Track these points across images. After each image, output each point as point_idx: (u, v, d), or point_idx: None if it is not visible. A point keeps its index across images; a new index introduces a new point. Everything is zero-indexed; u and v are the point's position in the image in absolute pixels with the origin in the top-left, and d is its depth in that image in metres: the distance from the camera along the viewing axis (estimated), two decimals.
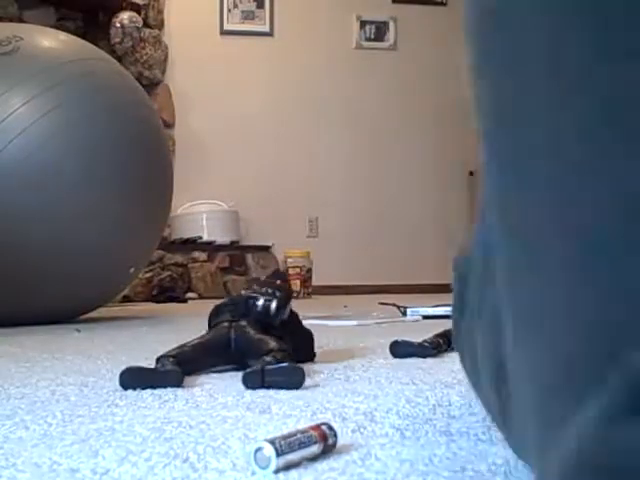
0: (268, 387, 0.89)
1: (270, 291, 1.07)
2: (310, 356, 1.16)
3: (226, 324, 1.05)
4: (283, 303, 1.06)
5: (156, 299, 4.07)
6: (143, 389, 0.91)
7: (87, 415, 0.76)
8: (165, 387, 0.91)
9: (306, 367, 1.11)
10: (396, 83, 5.29)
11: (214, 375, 1.04)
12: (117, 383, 0.95)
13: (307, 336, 1.16)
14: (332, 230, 5.11)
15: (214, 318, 1.10)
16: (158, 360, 0.97)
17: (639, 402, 0.25)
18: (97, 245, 2.17)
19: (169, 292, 4.17)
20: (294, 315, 1.13)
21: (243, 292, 1.09)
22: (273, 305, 1.04)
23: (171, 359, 0.97)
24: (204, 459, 0.57)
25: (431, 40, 5.32)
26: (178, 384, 0.92)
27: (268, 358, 0.94)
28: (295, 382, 0.89)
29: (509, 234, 0.34)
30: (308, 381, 0.97)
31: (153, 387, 0.91)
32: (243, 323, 1.04)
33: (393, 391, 0.88)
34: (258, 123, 5.07)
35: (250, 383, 0.90)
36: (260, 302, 1.05)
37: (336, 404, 0.80)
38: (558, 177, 0.30)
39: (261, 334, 1.02)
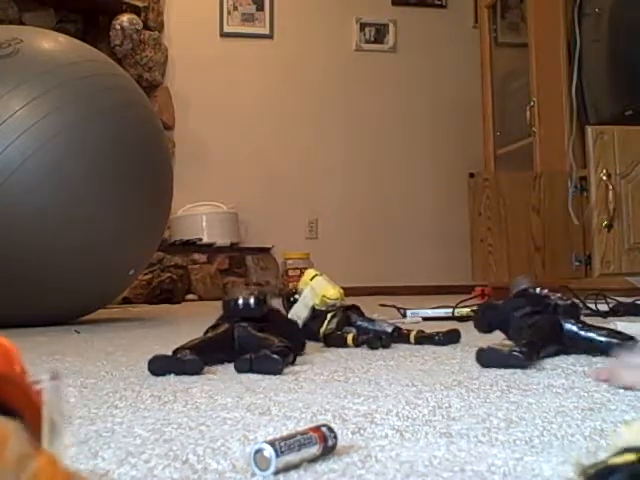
0: (254, 372, 1.04)
1: (247, 291, 1.24)
2: (300, 346, 1.28)
3: (227, 325, 1.19)
4: (262, 298, 1.23)
5: (152, 301, 4.07)
6: (169, 374, 1.04)
7: (87, 416, 0.76)
8: (187, 374, 1.04)
9: (306, 369, 1.11)
10: (396, 85, 5.29)
11: (214, 376, 1.04)
12: (117, 384, 0.95)
13: (294, 328, 1.32)
14: (332, 232, 5.11)
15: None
16: (176, 351, 1.10)
17: None
18: (97, 247, 2.17)
19: (164, 294, 4.18)
20: (276, 312, 1.29)
21: (228, 298, 1.24)
22: (252, 300, 1.21)
23: (188, 350, 1.10)
24: (204, 460, 0.57)
25: (431, 42, 5.33)
26: (199, 371, 1.06)
27: (265, 350, 1.08)
28: (275, 369, 1.04)
29: None
30: (308, 382, 0.97)
31: (177, 373, 1.05)
32: (244, 324, 1.18)
33: (393, 393, 0.88)
34: (258, 125, 5.07)
35: (240, 368, 1.06)
36: (240, 301, 1.21)
37: (336, 405, 0.80)
38: None
39: (264, 334, 1.17)
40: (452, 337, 1.48)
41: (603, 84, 3.45)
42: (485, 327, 1.34)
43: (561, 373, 1.03)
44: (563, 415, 0.73)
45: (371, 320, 1.53)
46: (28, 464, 0.32)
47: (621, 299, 2.26)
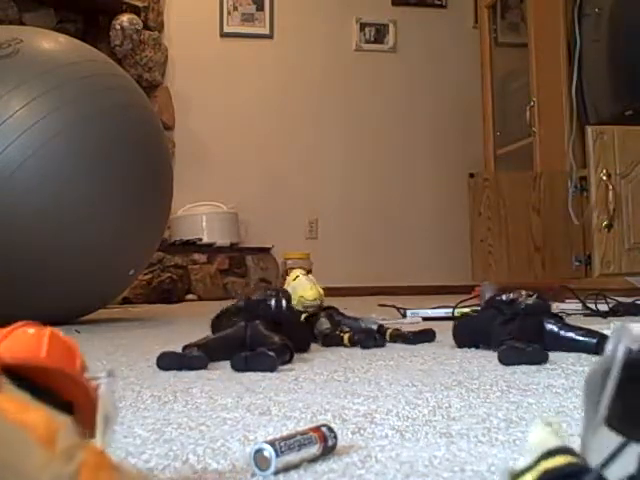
0: (250, 369, 1.07)
1: (275, 293, 1.29)
2: (307, 345, 1.36)
3: (242, 323, 1.24)
4: (289, 301, 1.30)
5: (152, 301, 4.07)
6: (176, 370, 1.09)
7: None
8: (194, 369, 1.09)
9: (306, 369, 1.11)
10: (396, 85, 5.29)
11: (214, 376, 1.04)
12: (118, 384, 0.95)
13: (305, 329, 1.41)
14: (332, 232, 5.11)
15: (225, 318, 1.29)
16: (185, 348, 1.16)
17: None
18: (97, 247, 2.17)
19: (164, 294, 4.18)
20: (293, 312, 1.36)
21: (253, 297, 1.29)
22: (283, 303, 1.27)
23: (196, 348, 1.16)
24: (204, 460, 0.57)
25: (431, 42, 5.33)
26: (204, 367, 1.11)
27: (261, 348, 1.12)
28: (269, 367, 1.08)
29: None
30: (308, 382, 0.97)
31: (183, 369, 1.10)
32: (257, 322, 1.23)
33: (393, 393, 0.88)
34: (258, 125, 5.07)
35: (236, 366, 1.09)
36: (272, 303, 1.26)
37: (336, 405, 0.80)
38: None
39: (269, 331, 1.21)
40: (423, 336, 1.49)
41: (603, 84, 3.45)
42: (466, 344, 1.37)
43: (561, 373, 1.03)
44: (563, 415, 0.73)
45: (355, 319, 1.54)
46: (76, 454, 0.34)
47: (621, 299, 2.26)
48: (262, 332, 1.21)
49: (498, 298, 1.31)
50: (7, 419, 0.34)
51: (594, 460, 0.34)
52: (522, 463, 0.35)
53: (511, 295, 1.31)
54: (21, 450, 0.33)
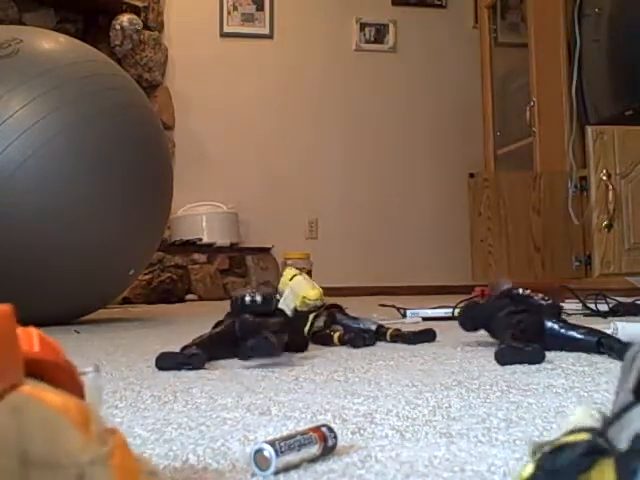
0: (256, 357, 1.11)
1: (254, 290, 1.29)
2: (303, 346, 1.34)
3: (230, 320, 1.25)
4: (267, 295, 1.27)
5: (152, 301, 4.07)
6: (175, 369, 1.11)
7: None
8: (193, 368, 1.11)
9: (306, 369, 1.11)
10: (396, 85, 5.29)
11: (214, 376, 1.04)
12: (117, 384, 0.95)
13: (300, 330, 1.39)
14: (332, 232, 5.11)
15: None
16: (183, 349, 1.16)
17: None
18: (97, 247, 2.17)
19: (164, 294, 4.19)
20: (284, 313, 1.34)
21: (236, 295, 1.29)
22: (258, 297, 1.25)
23: (194, 347, 1.16)
24: (204, 460, 0.57)
25: (431, 42, 5.33)
26: (202, 366, 1.12)
27: (265, 333, 1.13)
28: (273, 351, 1.11)
29: None
30: (308, 382, 0.97)
31: (182, 368, 1.11)
32: (246, 316, 1.24)
33: (393, 393, 0.88)
34: (258, 125, 5.07)
35: (242, 357, 1.12)
36: (247, 298, 1.25)
37: (336, 405, 0.80)
38: None
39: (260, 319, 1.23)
40: (423, 336, 1.49)
41: (603, 84, 3.45)
42: (470, 326, 1.38)
43: (561, 373, 1.03)
44: (563, 415, 0.73)
45: (355, 318, 1.54)
46: (108, 440, 0.36)
47: (621, 299, 2.26)
48: (251, 321, 1.22)
49: (515, 291, 1.32)
50: (47, 405, 0.35)
51: (620, 435, 0.34)
52: (549, 438, 0.36)
53: (528, 290, 1.32)
54: (62, 432, 0.35)
